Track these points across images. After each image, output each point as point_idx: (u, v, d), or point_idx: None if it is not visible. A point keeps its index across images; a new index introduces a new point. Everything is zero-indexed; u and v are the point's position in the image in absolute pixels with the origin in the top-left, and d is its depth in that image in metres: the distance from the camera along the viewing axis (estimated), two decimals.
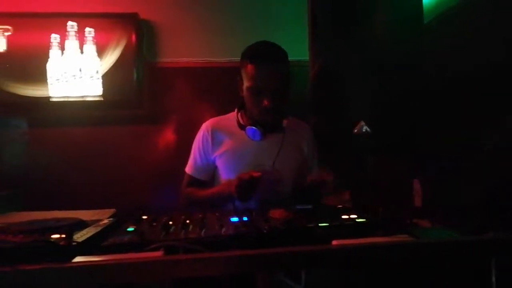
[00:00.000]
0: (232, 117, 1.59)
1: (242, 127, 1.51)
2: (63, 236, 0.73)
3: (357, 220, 0.93)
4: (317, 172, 1.56)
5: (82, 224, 0.91)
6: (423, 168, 1.20)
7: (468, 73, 1.31)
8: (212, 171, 1.57)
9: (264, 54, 1.44)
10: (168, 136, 2.11)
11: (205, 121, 1.62)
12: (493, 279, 0.75)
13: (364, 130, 1.17)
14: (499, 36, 1.19)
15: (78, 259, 0.68)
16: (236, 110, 1.59)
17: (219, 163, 1.53)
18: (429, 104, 1.35)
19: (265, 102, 1.41)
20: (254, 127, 1.45)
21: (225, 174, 1.51)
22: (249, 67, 1.42)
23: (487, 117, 1.18)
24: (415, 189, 1.14)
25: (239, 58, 1.49)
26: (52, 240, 0.72)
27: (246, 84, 1.45)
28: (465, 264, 0.80)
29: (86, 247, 0.75)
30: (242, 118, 1.55)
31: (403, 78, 1.38)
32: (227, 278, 0.94)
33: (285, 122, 1.48)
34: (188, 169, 1.60)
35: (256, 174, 1.29)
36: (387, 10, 1.48)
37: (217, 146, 1.53)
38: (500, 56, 1.17)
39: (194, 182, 1.58)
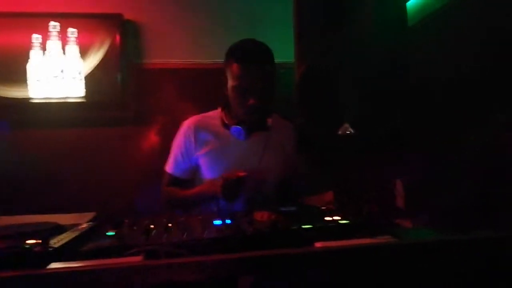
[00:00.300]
0: (215, 115, 1.57)
1: (227, 126, 1.49)
2: (39, 241, 0.71)
3: (340, 221, 0.93)
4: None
5: (59, 229, 0.88)
6: (406, 169, 1.21)
7: (452, 74, 1.32)
8: (193, 170, 1.54)
9: (249, 53, 1.42)
10: (153, 137, 2.09)
11: None
12: (477, 278, 0.76)
13: (348, 132, 1.17)
14: (483, 39, 1.20)
15: (53, 265, 0.66)
16: (220, 109, 1.57)
17: (202, 163, 1.50)
18: (413, 105, 1.36)
19: (251, 101, 1.39)
20: (239, 127, 1.43)
21: (209, 174, 1.49)
22: (234, 66, 1.41)
23: (471, 118, 1.19)
24: (397, 189, 1.14)
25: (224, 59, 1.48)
26: (27, 246, 0.69)
27: (231, 83, 1.43)
28: (448, 264, 0.80)
29: (63, 253, 0.72)
30: (226, 117, 1.53)
31: (387, 80, 1.39)
32: (209, 282, 0.93)
33: (269, 121, 1.47)
34: (168, 168, 1.57)
35: (241, 174, 1.28)
36: (372, 12, 1.49)
37: (201, 145, 1.50)
38: (484, 58, 1.18)
39: (174, 181, 1.55)
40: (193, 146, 1.51)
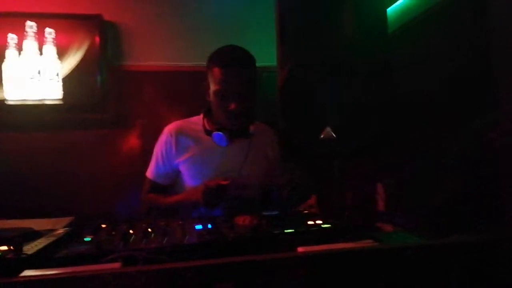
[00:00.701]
0: (197, 121, 1.56)
1: (208, 132, 1.48)
2: (11, 248, 0.68)
3: (322, 225, 0.93)
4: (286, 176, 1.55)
5: (34, 235, 0.85)
6: (387, 173, 1.23)
7: (431, 81, 1.35)
8: (174, 177, 1.53)
9: (231, 58, 1.43)
10: (133, 140, 2.05)
11: None
12: (456, 282, 0.77)
13: (330, 136, 1.17)
14: (461, 46, 1.23)
15: (26, 273, 0.63)
16: (202, 115, 1.56)
17: (183, 169, 1.49)
18: (393, 111, 1.38)
19: (232, 106, 1.39)
20: (220, 133, 1.43)
21: (190, 180, 1.48)
22: (216, 70, 1.41)
23: (450, 123, 1.21)
24: (378, 193, 1.16)
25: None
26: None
27: (212, 88, 1.43)
28: (429, 269, 0.81)
29: (37, 260, 0.70)
30: (208, 123, 1.53)
31: (368, 85, 1.41)
32: None
33: (252, 128, 1.47)
34: (149, 173, 1.55)
35: (224, 182, 1.27)
36: (353, 18, 1.51)
37: (181, 152, 1.49)
38: (462, 65, 1.21)
39: (155, 187, 1.53)
40: (174, 152, 1.49)
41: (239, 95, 1.40)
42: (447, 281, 0.76)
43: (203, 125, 1.52)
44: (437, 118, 1.27)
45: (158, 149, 1.54)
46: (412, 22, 1.50)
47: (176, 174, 1.52)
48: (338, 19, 1.51)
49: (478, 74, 1.12)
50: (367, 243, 0.80)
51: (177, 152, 1.49)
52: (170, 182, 1.54)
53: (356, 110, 1.39)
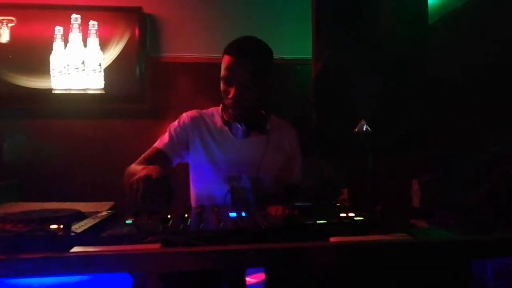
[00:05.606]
0: (214, 113, 1.57)
1: (225, 123, 1.49)
2: (61, 226, 0.73)
3: (355, 218, 0.93)
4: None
5: (80, 216, 0.91)
6: (422, 169, 1.20)
7: (472, 74, 1.31)
8: (180, 157, 1.50)
9: (240, 47, 1.43)
10: None
11: None
12: (489, 278, 0.75)
13: (364, 129, 1.17)
14: (504, 37, 1.19)
15: (76, 249, 0.68)
16: (221, 107, 1.56)
17: (195, 159, 1.50)
18: (430, 105, 1.35)
19: (231, 94, 1.40)
20: (237, 124, 1.44)
21: (202, 171, 1.48)
22: (225, 58, 1.43)
23: (488, 118, 1.18)
24: (413, 189, 1.14)
25: None
26: (51, 230, 0.72)
27: (221, 74, 1.45)
28: (462, 264, 0.80)
29: (84, 238, 0.75)
30: (225, 115, 1.52)
31: (406, 78, 1.39)
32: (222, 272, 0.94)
33: (268, 125, 1.47)
34: (159, 144, 1.50)
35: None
36: (392, 9, 1.48)
37: (196, 141, 1.50)
38: (505, 57, 1.17)
39: (158, 158, 1.45)
40: (187, 139, 1.50)
41: (241, 84, 1.39)
42: (483, 278, 0.75)
43: (221, 116, 1.53)
44: (477, 112, 1.24)
45: (174, 127, 1.52)
46: (454, 12, 1.45)
47: (183, 159, 1.51)
48: (376, 10, 1.48)
49: None
50: (400, 236, 0.80)
51: (193, 140, 1.50)
52: (179, 159, 1.50)
53: (392, 103, 1.37)
